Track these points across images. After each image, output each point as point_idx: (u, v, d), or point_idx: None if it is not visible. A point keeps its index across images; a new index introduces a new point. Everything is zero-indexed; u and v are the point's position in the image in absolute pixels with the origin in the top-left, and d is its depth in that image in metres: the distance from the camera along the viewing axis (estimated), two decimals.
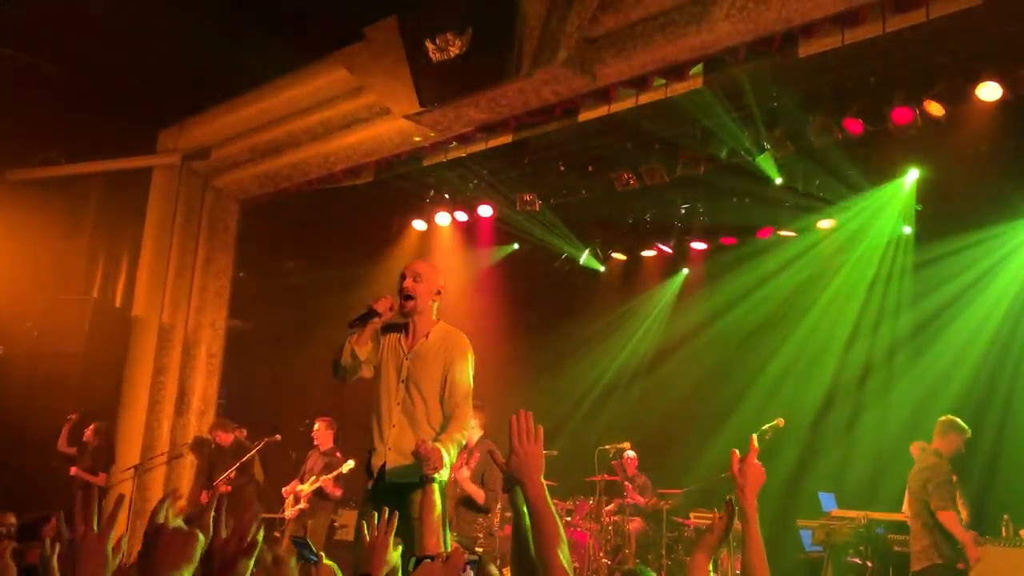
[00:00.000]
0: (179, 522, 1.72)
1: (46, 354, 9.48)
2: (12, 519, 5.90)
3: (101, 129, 9.45)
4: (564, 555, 2.28)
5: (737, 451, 2.65)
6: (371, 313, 4.28)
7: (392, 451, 4.22)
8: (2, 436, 9.44)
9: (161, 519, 1.63)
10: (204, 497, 8.58)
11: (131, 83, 8.67)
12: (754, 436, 2.67)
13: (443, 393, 4.25)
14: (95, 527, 1.77)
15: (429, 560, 2.49)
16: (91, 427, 8.80)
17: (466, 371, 4.30)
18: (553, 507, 2.39)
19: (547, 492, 2.40)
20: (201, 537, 1.69)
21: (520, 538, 2.41)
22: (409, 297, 4.31)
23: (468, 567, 2.72)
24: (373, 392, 4.40)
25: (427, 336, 4.34)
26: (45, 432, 9.18)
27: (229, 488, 8.38)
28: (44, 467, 8.97)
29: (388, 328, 4.46)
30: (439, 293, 4.42)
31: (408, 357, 4.31)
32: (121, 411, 9.01)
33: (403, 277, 4.37)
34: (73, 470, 8.66)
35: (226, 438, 8.89)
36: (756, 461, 2.60)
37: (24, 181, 10.28)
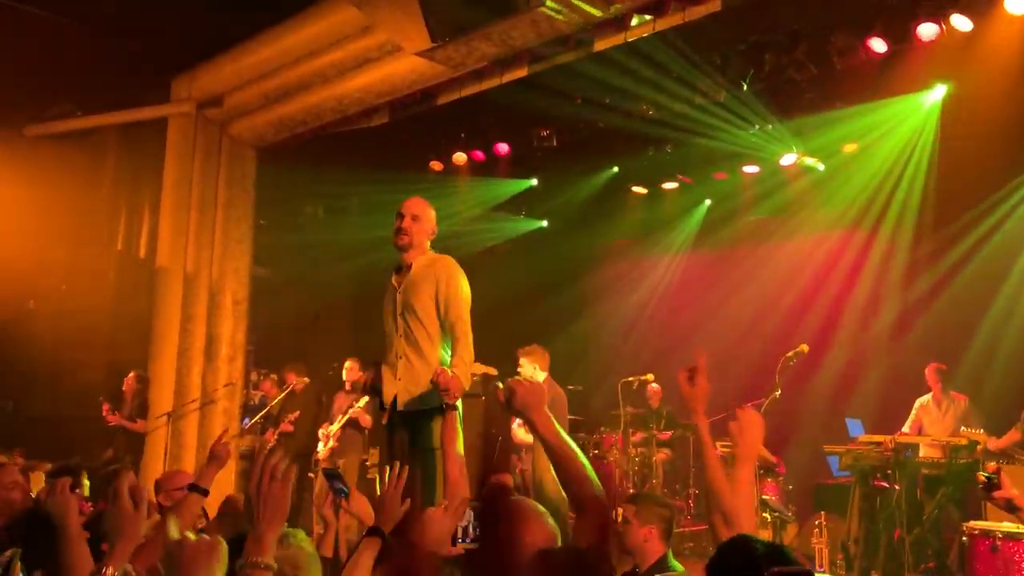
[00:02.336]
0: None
1: (74, 308, 9.62)
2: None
3: (114, 80, 9.40)
4: (589, 470, 2.31)
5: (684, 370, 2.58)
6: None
7: (403, 382, 4.34)
8: (36, 389, 9.64)
9: (175, 535, 1.68)
10: (270, 436, 8.90)
11: (141, 32, 8.58)
12: (702, 352, 2.59)
13: (440, 314, 4.31)
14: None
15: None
16: (130, 375, 8.95)
17: (457, 287, 4.40)
18: (564, 433, 2.40)
19: (555, 422, 2.41)
20: (223, 543, 1.73)
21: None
22: (404, 233, 4.47)
23: (469, 512, 2.76)
24: (382, 333, 4.55)
25: (412, 267, 4.48)
26: (77, 384, 9.36)
27: (291, 428, 8.83)
28: (79, 418, 9.15)
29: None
30: (433, 232, 4.59)
31: (400, 291, 4.46)
32: (151, 360, 9.14)
33: (400, 216, 4.52)
34: (114, 418, 8.82)
35: (298, 381, 9.19)
36: (704, 380, 2.54)
37: (41, 136, 10.30)
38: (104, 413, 8.81)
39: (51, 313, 9.81)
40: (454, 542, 2.68)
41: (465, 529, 2.73)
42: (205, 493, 3.32)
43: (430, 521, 2.49)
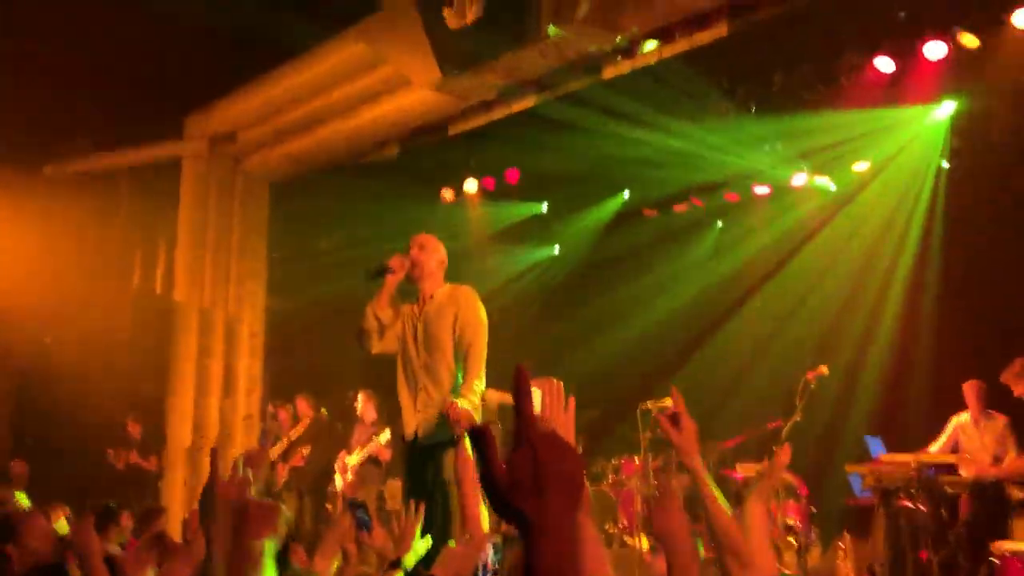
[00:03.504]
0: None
1: (92, 343, 9.69)
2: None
3: (129, 118, 9.54)
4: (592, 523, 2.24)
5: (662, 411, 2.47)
6: (385, 268, 4.41)
7: (421, 414, 4.33)
8: (55, 425, 9.70)
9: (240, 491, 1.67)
10: (282, 470, 8.87)
11: (155, 71, 8.72)
12: (674, 388, 2.46)
13: (455, 342, 4.33)
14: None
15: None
16: (129, 418, 9.02)
17: (474, 315, 4.40)
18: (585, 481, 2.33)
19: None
20: (283, 507, 1.74)
21: None
22: (416, 264, 4.50)
23: (489, 547, 2.76)
24: (398, 363, 4.53)
25: (432, 297, 4.46)
26: (96, 419, 9.41)
27: (303, 462, 8.62)
28: (97, 453, 9.20)
29: (404, 302, 4.61)
30: (443, 263, 4.59)
31: (420, 320, 4.47)
32: (169, 395, 9.19)
33: (408, 248, 4.58)
34: (128, 458, 8.84)
35: (309, 413, 9.16)
36: (687, 419, 2.36)
37: (58, 174, 10.44)
38: (111, 459, 8.86)
39: (69, 349, 9.88)
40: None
41: (485, 565, 2.73)
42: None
43: (450, 557, 2.49)
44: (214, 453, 2.01)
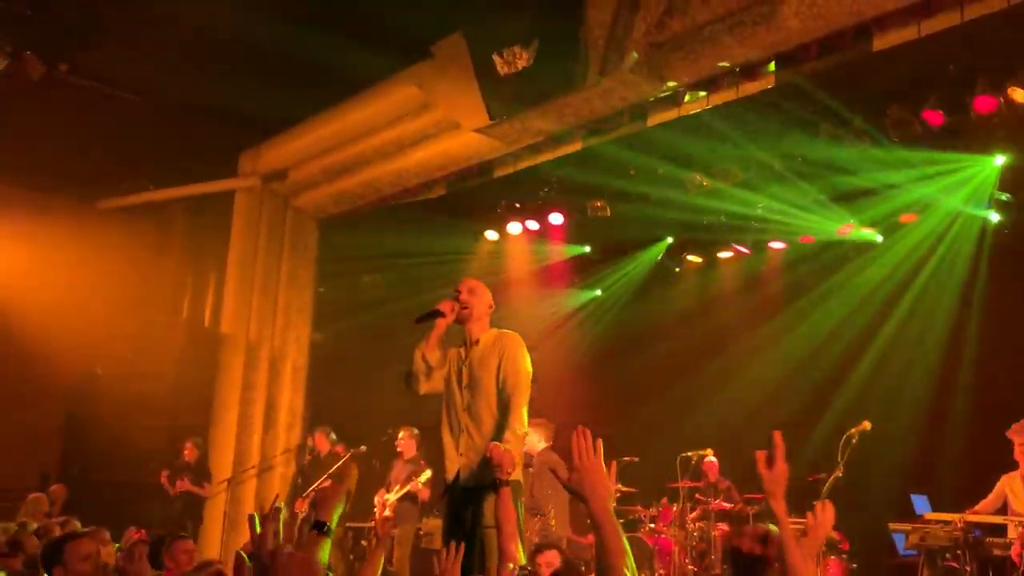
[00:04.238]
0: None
1: (139, 374, 9.90)
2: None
3: (184, 156, 9.83)
4: (630, 569, 2.27)
5: (762, 452, 2.52)
6: (436, 313, 4.46)
7: (464, 456, 4.36)
8: (100, 453, 9.88)
9: (271, 544, 1.67)
10: (300, 505, 8.82)
11: (210, 110, 8.97)
12: (777, 433, 2.54)
13: (499, 387, 4.38)
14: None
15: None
16: (188, 443, 9.10)
17: (519, 361, 4.42)
18: (616, 522, 2.37)
19: (611, 508, 2.39)
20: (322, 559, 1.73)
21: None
22: (465, 306, 4.52)
23: None
24: (442, 405, 4.57)
25: (478, 342, 4.53)
26: (140, 449, 9.57)
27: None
28: (140, 483, 9.33)
29: (450, 345, 4.65)
30: (491, 307, 4.62)
31: (466, 364, 4.51)
32: (212, 426, 9.33)
33: (457, 292, 4.61)
34: (180, 483, 8.92)
35: (324, 447, 9.14)
36: (783, 462, 2.48)
37: (113, 209, 10.76)
38: (163, 482, 8.92)
39: (117, 379, 10.10)
40: None
41: None
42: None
43: None
44: (253, 520, 2.01)
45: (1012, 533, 6.62)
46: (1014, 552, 6.22)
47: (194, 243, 10.70)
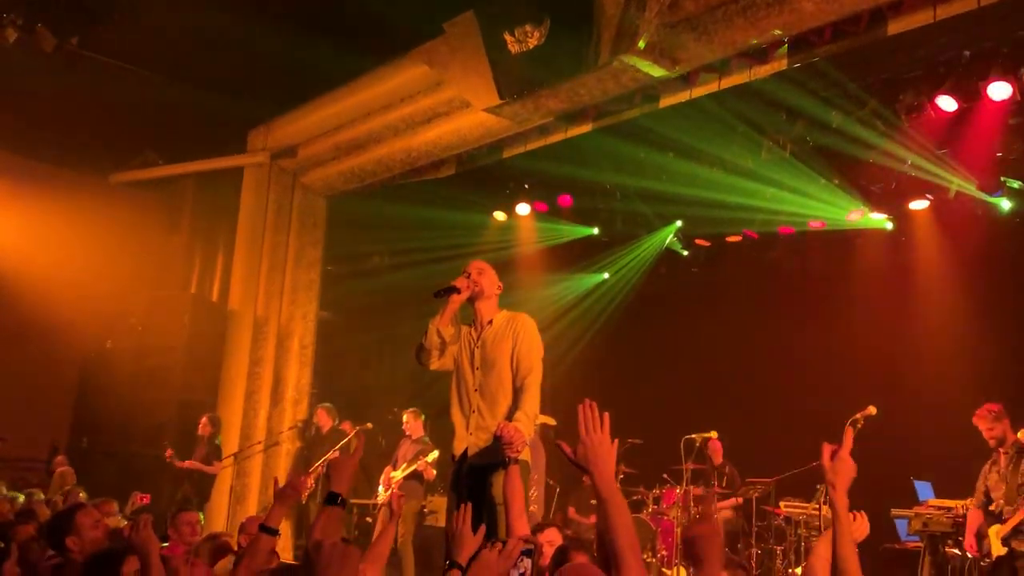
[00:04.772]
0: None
1: (149, 348, 9.96)
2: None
3: (194, 131, 9.85)
4: (633, 548, 2.27)
5: (828, 443, 2.54)
6: (452, 289, 4.48)
7: (473, 435, 4.38)
8: (110, 427, 9.97)
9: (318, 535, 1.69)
10: (308, 481, 8.90)
11: (220, 86, 8.98)
12: (849, 428, 2.57)
13: (513, 368, 4.40)
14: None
15: (489, 546, 2.57)
16: (204, 418, 9.15)
17: (532, 344, 4.44)
18: (623, 498, 2.36)
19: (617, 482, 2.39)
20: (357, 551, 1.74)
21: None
22: (475, 284, 4.55)
23: (523, 556, 2.81)
24: (452, 383, 4.59)
25: (492, 322, 4.54)
26: (150, 423, 9.64)
27: (323, 470, 8.65)
28: (149, 456, 9.41)
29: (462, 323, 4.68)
30: (499, 288, 4.65)
31: (478, 344, 4.52)
32: (220, 402, 9.40)
33: (467, 273, 4.60)
34: (187, 463, 8.98)
35: (326, 422, 9.19)
36: (847, 455, 2.50)
37: (124, 183, 10.80)
38: (167, 458, 8.99)
39: (128, 353, 10.17)
40: None
41: (524, 573, 2.78)
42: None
43: (485, 562, 2.55)
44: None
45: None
46: (967, 545, 6.19)
47: (204, 219, 10.74)
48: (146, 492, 8.40)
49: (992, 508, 6.06)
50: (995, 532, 5.90)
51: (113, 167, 10.78)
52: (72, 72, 8.63)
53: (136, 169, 10.74)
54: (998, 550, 5.82)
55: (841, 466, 2.48)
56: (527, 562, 2.84)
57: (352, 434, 8.90)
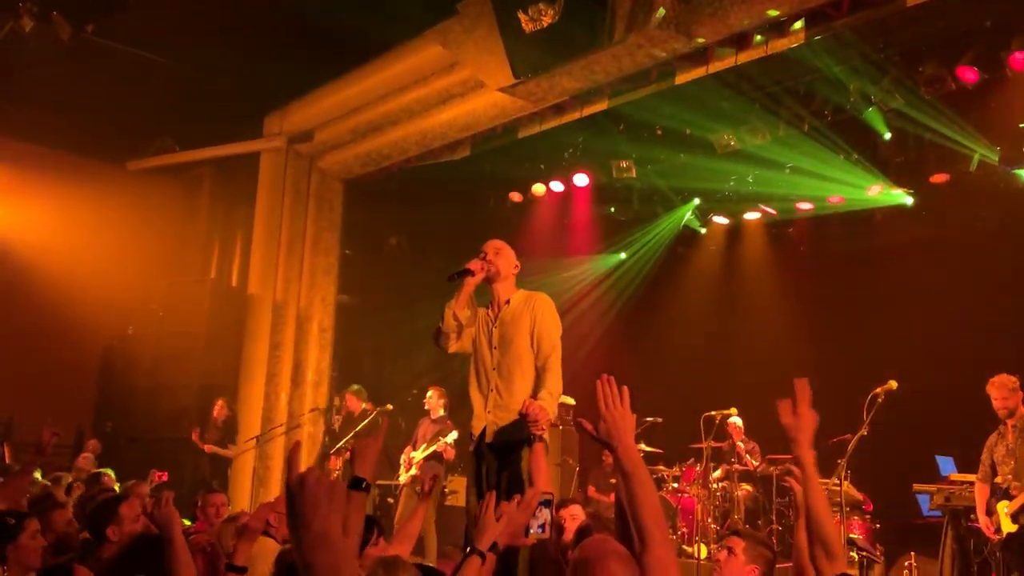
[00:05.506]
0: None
1: (170, 333, 10.05)
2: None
3: (210, 117, 9.87)
4: (659, 526, 2.25)
5: (788, 400, 2.51)
6: (466, 272, 4.49)
7: (492, 414, 4.41)
8: (133, 411, 10.09)
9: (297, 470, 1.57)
10: (333, 462, 8.99)
11: (236, 71, 8.99)
12: (802, 380, 2.52)
13: (534, 348, 4.41)
14: None
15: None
16: (219, 402, 9.24)
17: (552, 323, 4.46)
18: (648, 472, 2.33)
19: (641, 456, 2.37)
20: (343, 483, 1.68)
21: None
22: (491, 264, 4.56)
23: (542, 506, 2.84)
24: (471, 364, 4.61)
25: (509, 302, 4.56)
26: (172, 406, 9.75)
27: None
28: (173, 439, 9.53)
29: (479, 305, 4.69)
30: (516, 267, 4.65)
31: (496, 324, 4.54)
32: (241, 385, 9.48)
33: (483, 253, 4.61)
34: (207, 448, 9.09)
35: (356, 406, 9.25)
36: (807, 408, 2.47)
37: (142, 170, 10.86)
38: (194, 439, 9.09)
39: (149, 338, 10.27)
40: (527, 533, 2.78)
41: (541, 526, 2.84)
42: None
43: (505, 515, 2.59)
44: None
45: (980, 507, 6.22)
46: (983, 525, 6.05)
47: (221, 203, 10.79)
48: (169, 474, 8.50)
49: (998, 481, 5.99)
50: (1003, 508, 5.85)
51: (130, 154, 10.83)
52: (88, 60, 8.68)
53: (153, 156, 10.78)
54: (1008, 527, 5.78)
55: (802, 421, 2.46)
56: (546, 512, 2.88)
57: (373, 414, 8.96)
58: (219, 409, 9.22)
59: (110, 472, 7.22)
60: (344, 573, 1.46)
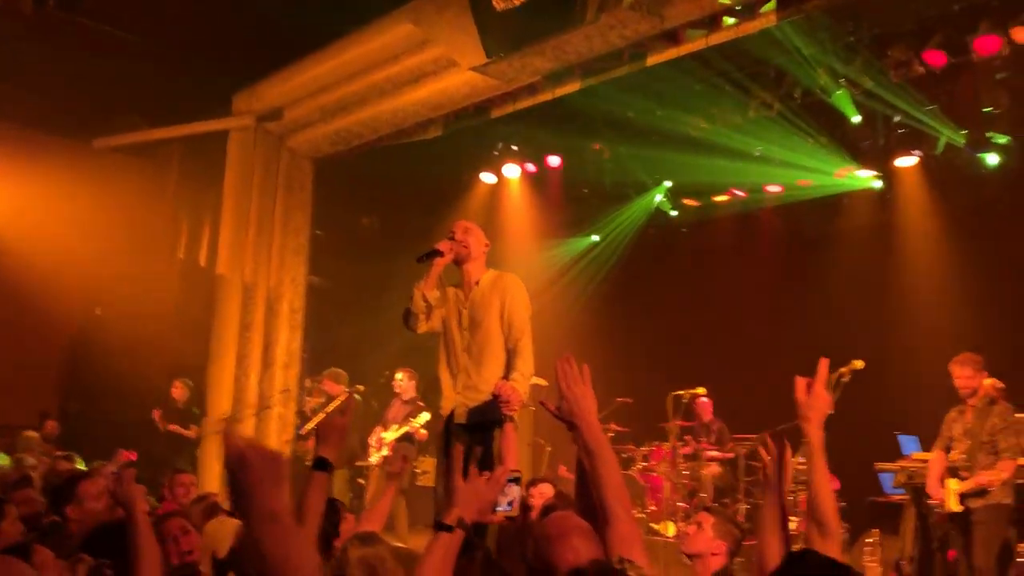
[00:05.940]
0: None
1: (139, 314, 9.94)
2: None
3: (178, 95, 9.71)
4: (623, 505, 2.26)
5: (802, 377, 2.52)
6: (435, 252, 4.49)
7: (462, 395, 4.42)
8: (101, 392, 9.99)
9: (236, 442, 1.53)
10: (312, 444, 8.95)
11: (204, 48, 8.86)
12: (824, 361, 2.55)
13: (504, 329, 4.40)
14: None
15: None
16: (177, 383, 9.18)
17: (521, 303, 4.49)
18: (612, 451, 2.35)
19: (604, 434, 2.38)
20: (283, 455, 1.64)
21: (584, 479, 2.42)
22: (464, 246, 4.58)
23: (511, 484, 2.85)
24: (440, 344, 4.61)
25: (479, 283, 4.57)
26: (140, 388, 9.67)
27: None
28: (139, 421, 9.45)
29: (449, 285, 4.67)
30: (487, 247, 4.67)
31: (466, 305, 4.56)
32: (211, 366, 9.39)
33: (453, 232, 4.63)
34: (172, 426, 9.04)
35: (335, 390, 9.23)
36: (823, 389, 2.50)
37: (108, 148, 10.67)
38: (156, 419, 9.04)
39: (117, 319, 10.15)
40: (494, 510, 2.79)
41: (510, 503, 2.84)
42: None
43: (474, 489, 2.59)
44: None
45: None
46: (929, 489, 6.19)
47: (189, 183, 10.64)
48: (137, 456, 8.45)
49: (952, 458, 6.10)
50: (953, 486, 5.95)
51: (96, 132, 10.64)
52: (53, 36, 8.50)
53: (120, 134, 10.60)
54: (955, 507, 5.90)
55: (816, 400, 2.48)
56: (515, 489, 2.89)
57: (343, 395, 8.95)
58: (178, 389, 9.16)
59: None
60: (292, 546, 1.46)
